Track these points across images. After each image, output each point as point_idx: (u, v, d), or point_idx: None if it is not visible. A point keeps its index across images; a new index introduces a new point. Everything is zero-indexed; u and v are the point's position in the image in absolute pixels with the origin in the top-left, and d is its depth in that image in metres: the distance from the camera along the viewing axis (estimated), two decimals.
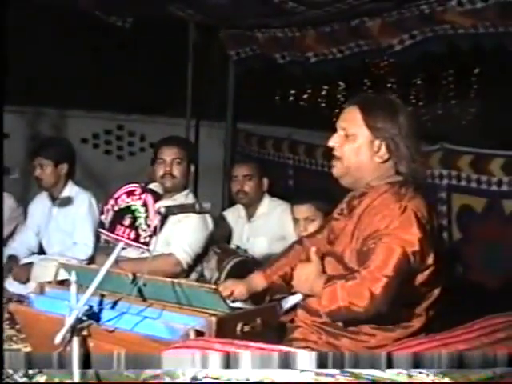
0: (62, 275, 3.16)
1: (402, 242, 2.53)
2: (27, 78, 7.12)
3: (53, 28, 7.18)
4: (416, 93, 8.11)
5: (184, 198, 4.29)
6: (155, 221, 2.61)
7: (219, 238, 4.62)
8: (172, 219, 4.03)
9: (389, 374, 2.11)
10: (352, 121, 2.77)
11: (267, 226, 4.70)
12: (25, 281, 4.60)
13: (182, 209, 2.87)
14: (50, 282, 3.14)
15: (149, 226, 2.63)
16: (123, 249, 2.71)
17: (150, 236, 2.64)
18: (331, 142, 2.80)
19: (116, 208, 2.76)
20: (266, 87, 7.42)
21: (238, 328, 2.69)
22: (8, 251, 4.92)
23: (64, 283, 3.12)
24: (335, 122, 2.87)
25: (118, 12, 6.89)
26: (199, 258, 4.22)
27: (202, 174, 5.95)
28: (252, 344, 2.30)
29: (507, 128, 7.57)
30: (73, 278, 2.65)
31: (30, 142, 6.79)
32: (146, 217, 2.65)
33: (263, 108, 7.81)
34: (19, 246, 4.98)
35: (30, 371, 2.78)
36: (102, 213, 2.81)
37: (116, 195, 2.78)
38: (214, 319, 2.60)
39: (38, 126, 7.46)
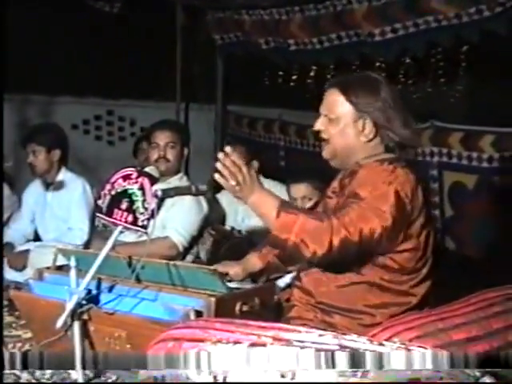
0: (60, 261, 3.20)
1: (376, 212, 2.55)
2: (15, 65, 7.08)
3: (40, 14, 7.15)
4: (405, 71, 8.10)
5: (178, 181, 4.31)
6: (152, 204, 2.64)
7: (214, 220, 4.64)
8: (166, 203, 4.05)
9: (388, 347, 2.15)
10: (334, 103, 2.80)
11: None
12: (21, 268, 4.63)
13: (179, 191, 2.91)
14: (48, 268, 3.16)
15: (146, 209, 2.66)
16: (121, 232, 2.74)
17: (148, 219, 2.67)
18: (316, 127, 2.83)
19: (113, 192, 2.78)
20: (254, 68, 7.42)
21: (237, 308, 2.72)
22: (3, 239, 4.93)
23: (62, 268, 3.15)
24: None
25: None
26: (195, 240, 4.26)
27: (192, 157, 5.97)
28: (251, 322, 2.33)
29: (495, 105, 7.62)
30: (72, 262, 2.68)
31: (21, 129, 6.79)
32: (144, 200, 2.67)
33: (253, 89, 7.81)
34: (15, 233, 5.00)
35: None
36: (98, 197, 2.83)
37: (112, 179, 2.80)
38: (213, 299, 2.63)
39: (28, 113, 7.46)
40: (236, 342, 2.19)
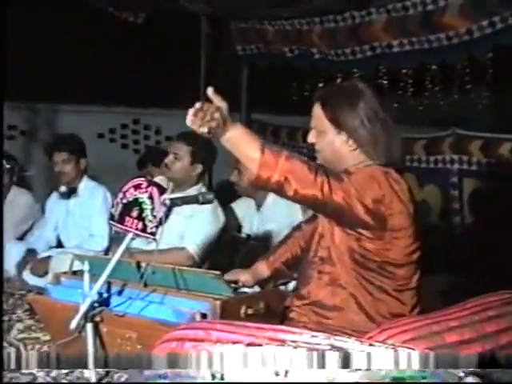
0: (77, 266, 3.38)
1: (356, 195, 2.65)
2: (43, 76, 7.33)
3: (68, 25, 7.38)
4: (431, 78, 8.17)
5: (196, 192, 4.44)
6: (161, 212, 2.80)
7: (230, 229, 4.80)
8: (185, 214, 4.21)
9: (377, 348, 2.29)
10: (318, 118, 2.91)
11: (276, 215, 4.84)
12: (43, 274, 4.83)
13: (186, 200, 3.06)
14: (65, 273, 3.34)
15: (155, 216, 2.83)
16: (132, 239, 2.91)
17: (156, 226, 2.83)
18: (309, 140, 2.95)
19: (125, 201, 2.96)
20: (278, 77, 7.56)
21: (242, 311, 2.89)
22: (27, 245, 5.15)
23: (78, 273, 3.33)
24: None
25: (130, 7, 7.10)
26: (212, 250, 4.39)
27: (217, 164, 6.12)
28: (250, 324, 2.48)
29: None
30: (86, 267, 2.85)
31: (47, 138, 7.00)
32: (152, 208, 2.84)
33: (277, 98, 7.95)
34: (38, 240, 5.22)
35: None
36: (112, 205, 3.01)
37: (124, 189, 2.97)
38: (218, 302, 2.80)
39: (54, 122, 7.69)
40: (235, 342, 2.35)
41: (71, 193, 5.13)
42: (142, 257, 3.69)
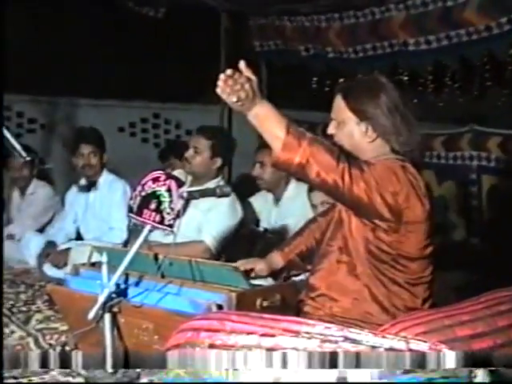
0: (96, 257, 3.45)
1: (375, 187, 2.69)
2: (63, 70, 7.40)
3: (89, 20, 7.45)
4: (451, 75, 8.17)
5: (214, 185, 4.50)
6: (178, 205, 2.86)
7: (248, 222, 4.86)
8: (202, 207, 4.28)
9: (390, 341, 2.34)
10: (338, 109, 2.95)
11: (293, 209, 4.88)
12: (62, 265, 4.91)
13: (203, 193, 3.12)
14: (84, 264, 3.40)
15: (172, 209, 2.88)
16: (150, 231, 2.97)
17: (174, 219, 2.89)
18: (329, 131, 2.98)
19: (143, 193, 3.02)
20: (297, 72, 7.59)
21: (258, 303, 2.95)
22: (47, 238, 5.24)
23: (96, 265, 3.40)
24: None
25: (150, 2, 7.17)
26: (229, 243, 4.45)
27: (237, 160, 6.16)
28: (265, 315, 2.53)
29: None
30: (104, 258, 2.92)
31: (67, 132, 7.09)
32: (170, 201, 2.90)
33: (296, 93, 7.99)
34: (57, 232, 5.31)
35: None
36: (130, 198, 3.07)
37: (143, 181, 3.03)
38: (233, 294, 2.85)
39: (74, 116, 7.77)
40: (249, 333, 2.41)
41: (91, 186, 5.22)
42: (159, 249, 3.74)
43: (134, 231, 4.88)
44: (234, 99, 2.59)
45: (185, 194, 2.88)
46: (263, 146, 5.15)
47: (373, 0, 6.25)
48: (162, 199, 2.93)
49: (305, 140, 2.63)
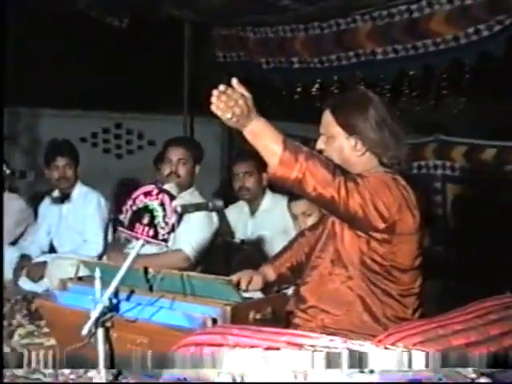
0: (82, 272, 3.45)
1: (370, 199, 2.74)
2: (24, 79, 7.34)
3: (50, 28, 7.42)
4: (409, 83, 8.31)
5: (190, 195, 4.55)
6: (173, 219, 2.88)
7: (223, 234, 4.89)
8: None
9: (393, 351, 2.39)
10: (327, 124, 3.00)
11: (270, 221, 4.96)
12: (38, 279, 4.88)
13: (197, 207, 3.16)
14: (71, 279, 3.39)
15: (167, 223, 2.89)
16: (143, 246, 2.97)
17: (168, 233, 2.90)
18: (318, 146, 3.02)
19: (134, 208, 3.01)
20: (259, 83, 7.64)
21: (251, 316, 2.96)
22: (20, 251, 5.19)
23: (83, 279, 3.39)
24: None
25: (114, 12, 7.15)
26: (206, 253, 4.48)
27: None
28: (265, 328, 2.57)
29: (498, 118, 7.86)
30: (97, 274, 2.90)
31: (29, 143, 7.05)
32: (164, 215, 2.90)
33: (259, 103, 8.04)
34: (31, 245, 5.26)
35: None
36: (121, 212, 3.07)
37: (134, 196, 3.03)
38: (228, 308, 2.87)
39: (36, 126, 7.71)
40: (252, 347, 2.43)
41: (64, 198, 5.18)
42: (138, 261, 3.77)
43: (111, 244, 4.89)
44: (229, 115, 2.60)
45: (179, 208, 2.90)
46: (240, 157, 5.21)
47: (338, 11, 6.30)
48: (155, 213, 2.93)
49: (301, 155, 2.66)
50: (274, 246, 4.66)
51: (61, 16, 7.20)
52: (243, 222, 5.16)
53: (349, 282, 2.93)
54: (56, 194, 5.23)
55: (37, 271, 4.91)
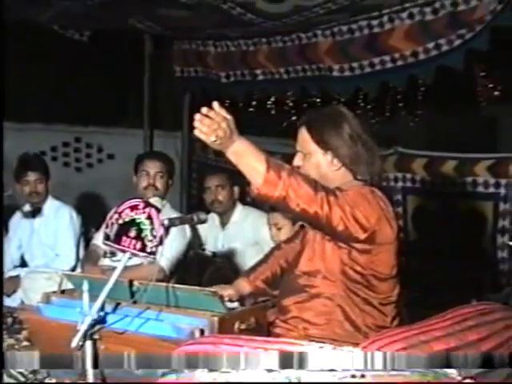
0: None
1: (350, 211, 2.86)
2: None
3: (10, 41, 7.41)
4: (364, 97, 8.44)
5: (163, 208, 4.62)
6: (160, 231, 2.97)
7: (194, 245, 4.98)
8: None
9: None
10: (304, 141, 3.14)
11: (241, 233, 5.06)
12: (11, 293, 4.91)
13: (182, 220, 3.26)
14: (54, 292, 3.45)
15: (155, 236, 2.98)
16: (129, 258, 3.06)
17: (156, 246, 2.99)
18: (295, 163, 3.13)
19: (120, 221, 3.09)
20: (218, 99, 7.70)
21: (236, 326, 3.07)
22: None
23: (65, 292, 3.46)
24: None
25: (75, 25, 7.20)
26: (180, 265, 4.57)
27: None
28: (257, 338, 2.68)
29: (456, 130, 8.07)
30: (85, 287, 2.97)
31: None
32: (152, 228, 2.99)
33: None
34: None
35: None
36: (106, 226, 3.14)
37: (119, 210, 3.10)
38: (215, 319, 2.97)
39: None
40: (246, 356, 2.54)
41: (36, 212, 5.22)
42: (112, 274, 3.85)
43: (85, 257, 4.93)
44: (213, 138, 2.66)
45: (166, 222, 3.00)
46: (213, 171, 5.32)
47: (300, 26, 6.43)
48: (143, 227, 3.01)
49: (284, 172, 2.75)
50: (246, 258, 4.79)
51: (21, 28, 7.20)
52: (214, 235, 5.25)
53: (329, 292, 3.05)
54: (27, 208, 5.27)
55: (10, 285, 4.95)
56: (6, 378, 3.07)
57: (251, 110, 8.14)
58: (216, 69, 7.39)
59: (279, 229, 4.49)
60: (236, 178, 5.87)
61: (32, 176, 5.18)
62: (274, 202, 2.81)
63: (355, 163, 3.09)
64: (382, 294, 3.09)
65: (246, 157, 2.74)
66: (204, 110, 2.65)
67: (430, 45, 5.55)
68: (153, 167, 4.72)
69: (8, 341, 4.02)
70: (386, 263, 3.07)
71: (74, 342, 2.91)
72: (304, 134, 3.13)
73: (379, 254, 3.02)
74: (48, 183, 5.24)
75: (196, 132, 2.67)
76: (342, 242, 2.98)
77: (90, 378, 2.89)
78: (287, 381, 2.40)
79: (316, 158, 3.11)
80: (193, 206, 7.95)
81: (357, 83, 6.35)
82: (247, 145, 2.75)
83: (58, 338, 3.03)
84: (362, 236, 2.93)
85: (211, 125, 2.64)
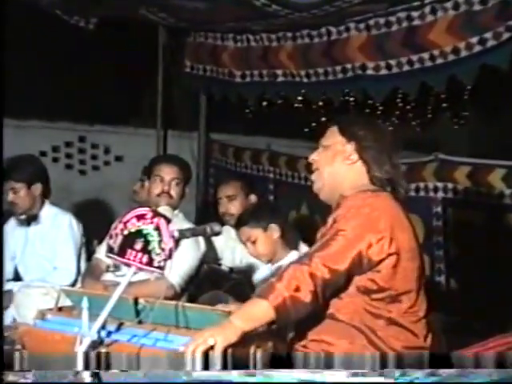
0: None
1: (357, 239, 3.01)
2: None
3: (11, 31, 7.45)
4: (403, 95, 8.38)
5: (176, 218, 4.64)
6: (170, 244, 2.98)
7: (209, 260, 4.98)
8: None
9: None
10: (330, 133, 3.34)
11: None
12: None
13: (194, 232, 3.27)
14: (50, 309, 3.46)
15: (163, 249, 2.98)
16: (135, 273, 3.07)
17: (165, 260, 2.99)
18: (311, 157, 3.34)
19: (125, 232, 3.10)
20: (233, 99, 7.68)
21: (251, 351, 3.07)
22: None
23: (63, 310, 3.47)
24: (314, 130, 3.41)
25: (81, 12, 7.17)
26: (191, 280, 4.57)
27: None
28: None
29: (504, 135, 7.99)
30: (85, 303, 2.98)
31: None
32: (160, 241, 3.00)
33: (238, 117, 8.15)
34: None
35: None
36: (110, 237, 3.16)
37: (125, 219, 3.11)
38: None
39: None
40: None
41: (31, 220, 5.21)
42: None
43: (84, 271, 4.94)
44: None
45: (176, 234, 3.01)
46: (224, 180, 5.31)
47: (330, 18, 6.40)
48: (150, 238, 3.02)
49: (276, 289, 2.93)
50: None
51: (19, 17, 7.23)
52: (231, 249, 5.25)
53: (347, 315, 3.12)
54: (22, 215, 5.27)
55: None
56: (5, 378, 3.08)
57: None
58: (232, 66, 7.39)
59: (254, 242, 4.52)
60: (253, 184, 5.94)
61: (6, 185, 5.13)
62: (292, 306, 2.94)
63: (376, 161, 3.22)
64: (406, 309, 3.14)
65: (253, 320, 2.95)
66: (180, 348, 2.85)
67: (474, 39, 5.51)
68: (169, 173, 4.73)
69: None
70: (406, 275, 3.13)
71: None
72: (333, 129, 3.33)
73: (397, 267, 3.09)
74: (32, 189, 5.19)
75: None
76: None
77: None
78: None
79: (335, 148, 3.27)
80: (210, 215, 7.93)
81: (394, 83, 6.32)
82: (237, 308, 3.09)
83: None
84: (378, 259, 3.07)
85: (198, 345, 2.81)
